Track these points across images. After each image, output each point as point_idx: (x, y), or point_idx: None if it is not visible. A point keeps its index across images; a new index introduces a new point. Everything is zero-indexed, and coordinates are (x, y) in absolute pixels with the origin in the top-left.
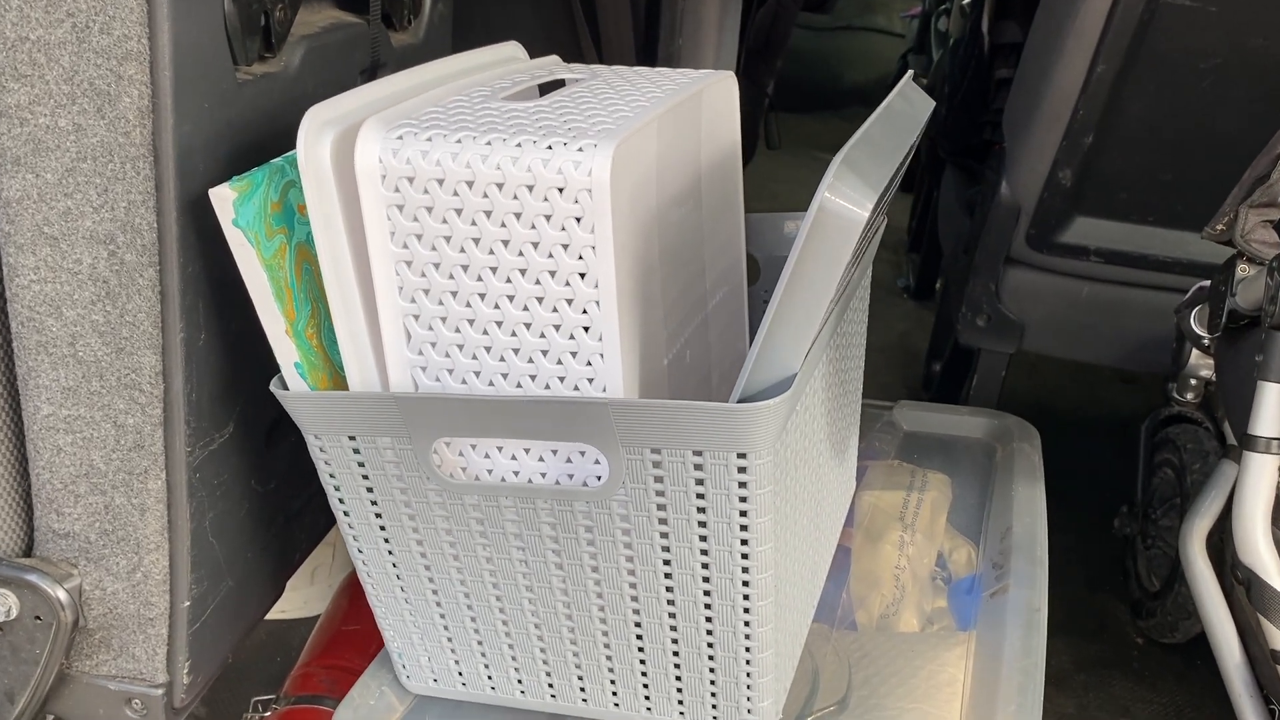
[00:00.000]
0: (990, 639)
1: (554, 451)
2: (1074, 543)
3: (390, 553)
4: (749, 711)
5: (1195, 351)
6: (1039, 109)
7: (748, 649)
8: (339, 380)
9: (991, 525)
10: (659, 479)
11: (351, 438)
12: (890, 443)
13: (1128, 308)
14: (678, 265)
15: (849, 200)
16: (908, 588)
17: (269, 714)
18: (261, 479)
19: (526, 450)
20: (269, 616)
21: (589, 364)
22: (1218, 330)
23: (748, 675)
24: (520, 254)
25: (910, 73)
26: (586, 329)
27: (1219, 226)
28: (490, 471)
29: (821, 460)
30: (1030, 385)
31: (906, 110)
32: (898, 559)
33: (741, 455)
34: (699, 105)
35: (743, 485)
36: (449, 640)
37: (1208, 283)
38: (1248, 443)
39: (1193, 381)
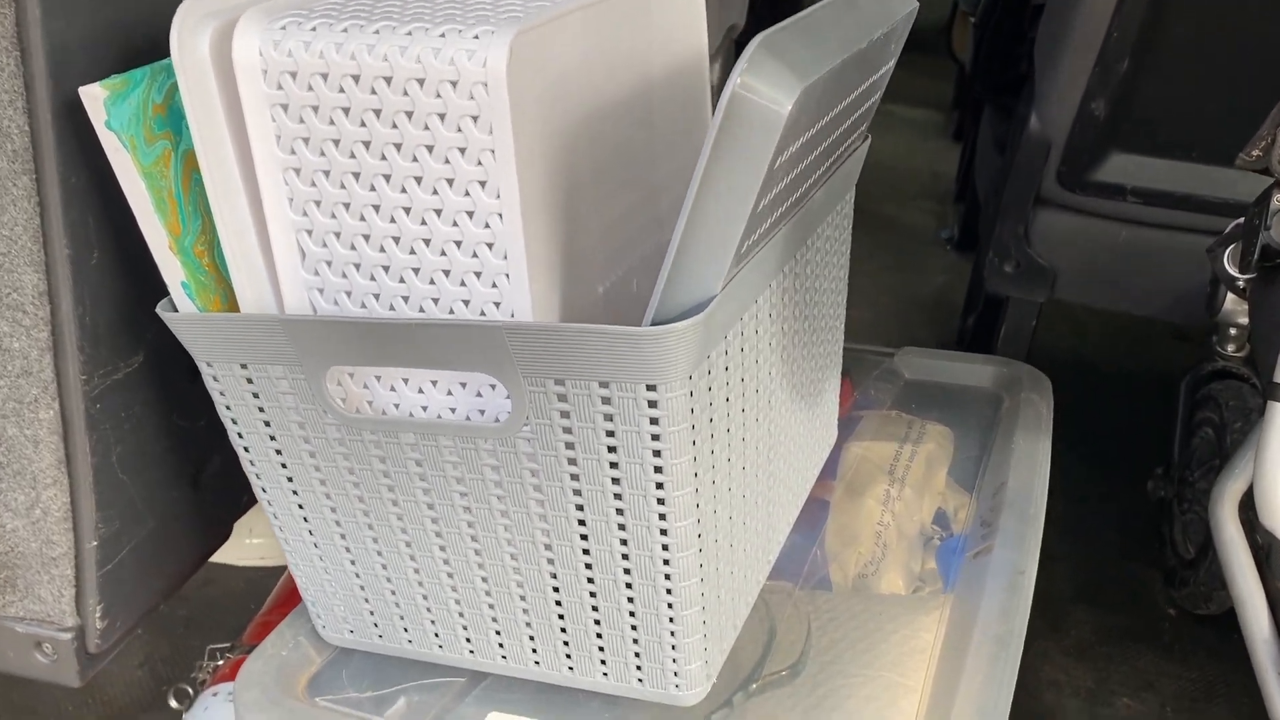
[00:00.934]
0: (967, 602)
1: (463, 385)
2: (1111, 508)
3: (295, 493)
4: (675, 674)
5: (1231, 296)
6: (1069, 33)
7: (670, 604)
8: (234, 302)
9: (986, 480)
10: (565, 414)
11: (244, 366)
12: (889, 391)
13: (1168, 253)
14: (619, 184)
15: (768, 88)
16: (891, 546)
17: (222, 662)
18: (186, 414)
19: (434, 383)
20: (246, 564)
21: (494, 286)
22: (1250, 269)
23: (672, 634)
24: (414, 159)
25: None
26: (490, 245)
27: (1255, 153)
28: (397, 406)
29: (777, 401)
30: (1072, 340)
31: (872, 3)
32: (881, 515)
33: (651, 387)
34: (647, 7)
35: (654, 421)
36: (362, 589)
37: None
38: (1274, 392)
39: (1233, 331)
